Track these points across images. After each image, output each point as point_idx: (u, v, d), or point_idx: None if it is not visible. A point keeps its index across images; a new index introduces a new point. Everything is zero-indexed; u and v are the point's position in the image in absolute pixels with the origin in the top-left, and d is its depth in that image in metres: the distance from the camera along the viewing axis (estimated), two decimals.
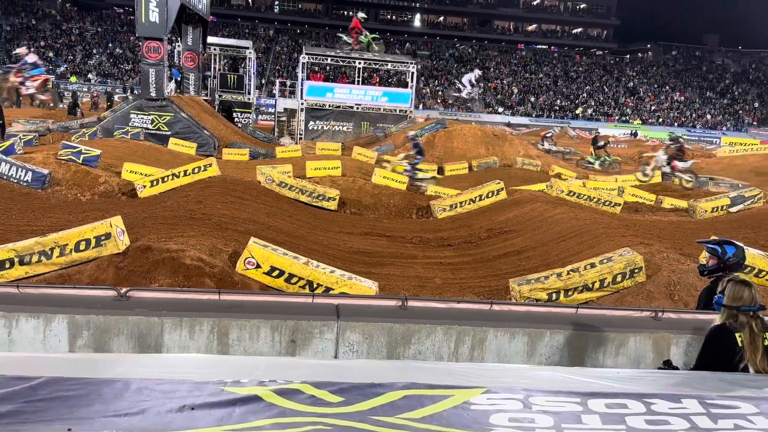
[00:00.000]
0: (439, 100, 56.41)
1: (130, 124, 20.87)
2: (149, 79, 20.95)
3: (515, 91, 60.43)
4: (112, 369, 2.45)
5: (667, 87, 62.79)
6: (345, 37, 31.59)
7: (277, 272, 7.47)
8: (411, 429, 1.70)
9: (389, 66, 31.96)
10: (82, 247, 6.98)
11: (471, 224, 12.61)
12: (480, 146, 23.98)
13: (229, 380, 2.22)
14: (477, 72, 42.71)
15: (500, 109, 56.80)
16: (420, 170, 17.27)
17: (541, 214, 12.28)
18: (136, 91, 36.01)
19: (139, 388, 2.12)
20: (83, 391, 2.10)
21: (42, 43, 54.95)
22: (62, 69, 50.86)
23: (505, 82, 61.69)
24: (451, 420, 1.77)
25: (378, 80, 34.57)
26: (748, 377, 2.83)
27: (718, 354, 3.03)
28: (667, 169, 20.45)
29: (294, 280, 7.45)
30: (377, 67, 32.20)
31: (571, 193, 13.98)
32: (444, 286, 8.89)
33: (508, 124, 46.97)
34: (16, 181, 12.10)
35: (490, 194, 13.93)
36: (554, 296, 7.71)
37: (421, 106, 48.84)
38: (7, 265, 6.69)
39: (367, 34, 30.54)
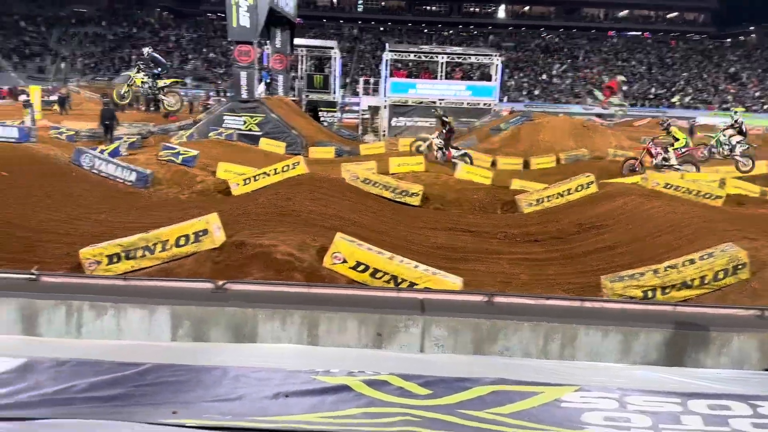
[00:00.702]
0: (524, 92, 55.12)
1: (223, 125, 21.82)
2: (241, 81, 21.81)
3: (606, 80, 57.99)
4: (212, 357, 2.59)
5: None
6: (596, 92, 32.00)
7: (362, 267, 7.58)
8: (500, 424, 1.69)
9: (473, 59, 31.58)
10: (182, 242, 7.38)
11: (559, 219, 12.23)
12: (568, 138, 23.23)
13: (320, 370, 2.28)
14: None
15: (590, 100, 54.71)
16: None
17: (635, 207, 11.73)
18: (228, 94, 37.66)
19: (237, 375, 2.22)
20: (185, 377, 2.23)
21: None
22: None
23: (595, 71, 59.35)
24: (542, 417, 1.74)
25: (461, 74, 34.22)
26: None
27: None
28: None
29: (379, 274, 7.54)
30: (460, 61, 31.90)
31: (668, 186, 13.25)
32: (531, 282, 8.69)
33: (599, 115, 45.16)
34: (122, 180, 12.99)
35: (579, 188, 13.44)
36: (650, 294, 7.35)
37: (505, 98, 47.91)
38: (115, 260, 7.19)
39: (621, 100, 30.50)
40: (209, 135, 21.03)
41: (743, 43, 64.35)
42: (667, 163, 17.24)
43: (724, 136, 18.64)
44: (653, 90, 56.78)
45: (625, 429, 1.65)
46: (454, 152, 17.95)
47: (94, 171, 13.14)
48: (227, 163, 15.08)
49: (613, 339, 4.32)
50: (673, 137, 17.67)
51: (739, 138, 18.42)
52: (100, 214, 10.94)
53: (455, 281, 7.19)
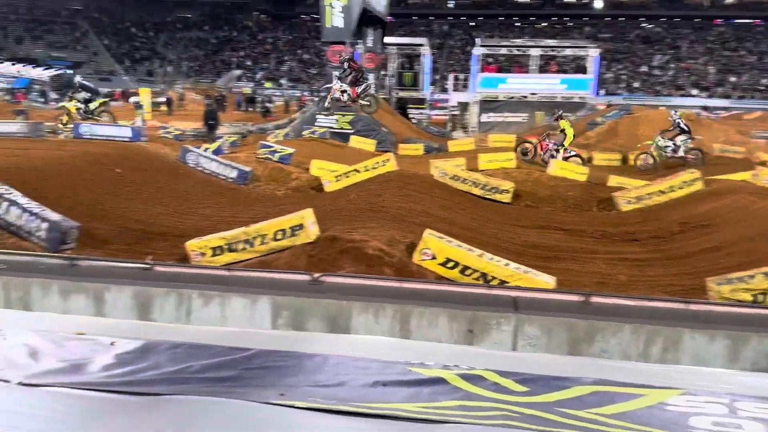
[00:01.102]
0: (622, 85, 52.70)
1: (316, 124, 22.45)
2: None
3: (711, 71, 54.32)
4: (310, 346, 2.71)
5: None
6: None
7: (451, 263, 7.57)
8: (602, 424, 1.66)
9: (567, 52, 30.57)
10: (279, 236, 7.69)
11: (661, 217, 11.64)
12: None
13: (415, 362, 2.33)
14: None
15: (694, 92, 51.47)
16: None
17: (744, 206, 10.96)
18: (321, 93, 38.66)
19: (337, 363, 2.32)
20: (289, 362, 2.36)
21: (242, 53, 61.15)
22: (259, 76, 56.15)
23: (699, 61, 55.74)
24: (647, 419, 1.69)
25: (556, 68, 33.21)
26: None
27: None
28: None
29: (468, 272, 7.49)
30: (554, 54, 30.98)
31: None
32: (629, 283, 8.33)
33: (704, 108, 42.39)
34: (224, 177, 13.70)
35: (683, 185, 12.73)
36: (760, 298, 6.85)
37: (602, 92, 46.02)
38: (218, 252, 7.60)
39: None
40: (303, 133, 21.71)
41: None
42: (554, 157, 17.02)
43: (663, 139, 18.41)
44: (765, 81, 52.53)
45: None
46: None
47: (199, 168, 13.94)
48: (320, 160, 15.51)
49: (720, 343, 4.08)
50: (562, 131, 17.41)
51: (682, 137, 18.30)
52: (205, 208, 11.60)
53: (548, 280, 7.03)
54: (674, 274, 8.63)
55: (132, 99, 32.16)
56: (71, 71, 44.59)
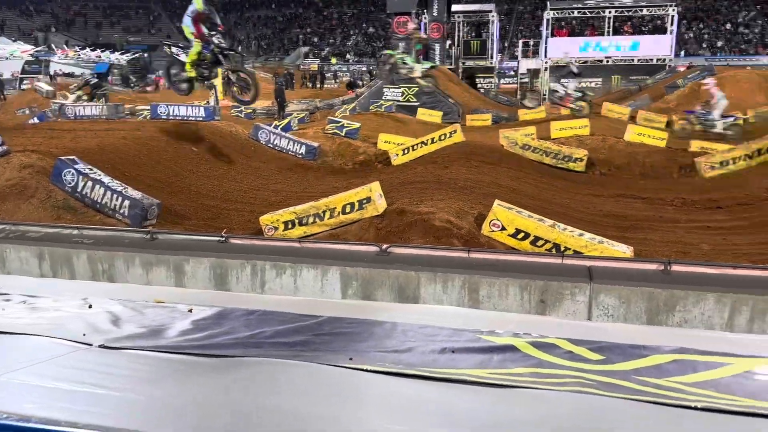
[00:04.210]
0: (704, 45, 49.49)
1: (383, 98, 22.43)
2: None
3: None
4: (380, 313, 2.73)
5: None
6: None
7: (522, 234, 7.42)
8: (684, 392, 1.58)
9: (644, 12, 28.95)
10: (347, 210, 7.78)
11: (748, 183, 10.96)
12: (758, 93, 20.56)
13: (485, 330, 2.30)
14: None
15: None
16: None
17: None
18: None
19: (405, 330, 2.32)
20: (358, 329, 2.38)
21: (308, 30, 61.62)
22: (325, 51, 56.52)
23: None
24: (733, 388, 1.60)
25: (632, 30, 31.52)
26: None
27: None
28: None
29: (540, 243, 7.32)
30: (630, 14, 29.41)
31: None
32: (713, 252, 7.91)
33: None
34: (293, 153, 13.96)
35: None
36: None
37: (683, 53, 43.41)
38: (290, 226, 7.78)
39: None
40: (370, 108, 21.74)
41: None
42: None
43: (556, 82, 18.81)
44: None
45: None
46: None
47: (270, 145, 14.25)
48: (387, 134, 15.50)
49: None
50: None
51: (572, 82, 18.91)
52: (276, 184, 11.88)
53: (625, 250, 6.78)
54: (763, 242, 8.12)
55: None
56: (146, 54, 46.41)
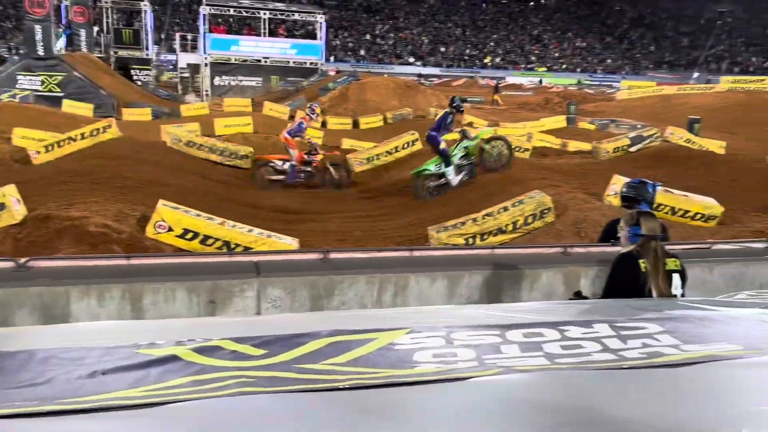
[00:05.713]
0: (349, 53, 55.57)
1: (17, 86, 19.26)
2: (35, 36, 19.29)
3: (425, 41, 60.47)
4: (14, 342, 2.28)
5: (570, 33, 64.76)
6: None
7: (191, 234, 7.22)
8: (336, 372, 1.69)
9: (296, 17, 31.00)
10: None
11: (389, 176, 12.74)
12: (393, 98, 23.94)
13: (144, 343, 2.11)
14: None
15: (411, 60, 56.75)
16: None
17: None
18: (21, 51, 33.11)
19: (45, 357, 1.97)
20: None
21: None
22: None
23: (414, 32, 61.52)
24: (377, 360, 1.77)
25: (285, 32, 33.40)
26: (651, 302, 3.03)
27: (623, 279, 3.23)
28: None
29: (210, 241, 7.23)
30: (284, 18, 31.13)
31: None
32: (365, 237, 8.94)
33: (419, 75, 47.09)
34: None
35: (405, 145, 14.04)
36: (470, 240, 7.93)
37: (332, 58, 47.93)
38: None
39: None
40: (0, 97, 18.40)
41: (544, 6, 70.51)
42: None
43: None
44: (468, 51, 60.41)
45: (452, 362, 1.75)
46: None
47: None
48: (25, 128, 13.35)
49: (441, 284, 4.58)
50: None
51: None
52: None
53: (291, 243, 7.16)
54: (401, 226, 9.50)
55: None
56: None
